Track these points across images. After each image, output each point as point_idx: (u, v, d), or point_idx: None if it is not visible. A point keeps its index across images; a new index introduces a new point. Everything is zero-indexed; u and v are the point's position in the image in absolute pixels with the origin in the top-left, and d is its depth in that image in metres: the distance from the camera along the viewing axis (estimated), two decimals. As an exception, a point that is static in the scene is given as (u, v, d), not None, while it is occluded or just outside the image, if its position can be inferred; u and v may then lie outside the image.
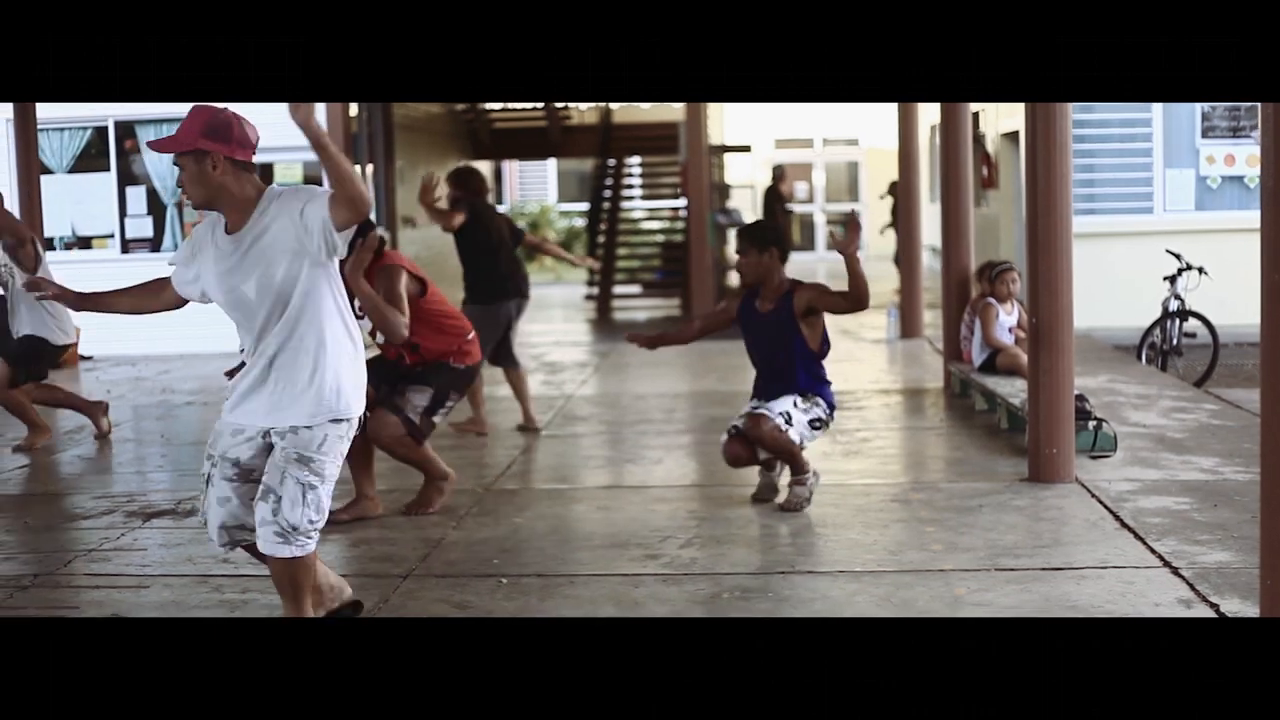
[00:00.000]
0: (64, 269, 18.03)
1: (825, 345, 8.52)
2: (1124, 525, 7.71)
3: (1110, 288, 17.30)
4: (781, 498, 8.51)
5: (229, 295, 5.59)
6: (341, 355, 5.61)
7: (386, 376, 8.45)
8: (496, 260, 11.68)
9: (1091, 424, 9.55)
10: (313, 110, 5.09)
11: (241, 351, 5.77)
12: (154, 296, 5.91)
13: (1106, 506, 8.13)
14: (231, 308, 5.63)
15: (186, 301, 5.90)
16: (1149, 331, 15.15)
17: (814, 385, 8.50)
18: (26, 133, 16.77)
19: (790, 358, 8.46)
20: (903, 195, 18.82)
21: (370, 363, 6.98)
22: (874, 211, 34.18)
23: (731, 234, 27.61)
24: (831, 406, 8.57)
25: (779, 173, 23.81)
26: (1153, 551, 7.17)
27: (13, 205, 17.78)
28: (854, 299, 8.17)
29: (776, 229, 8.86)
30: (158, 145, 5.39)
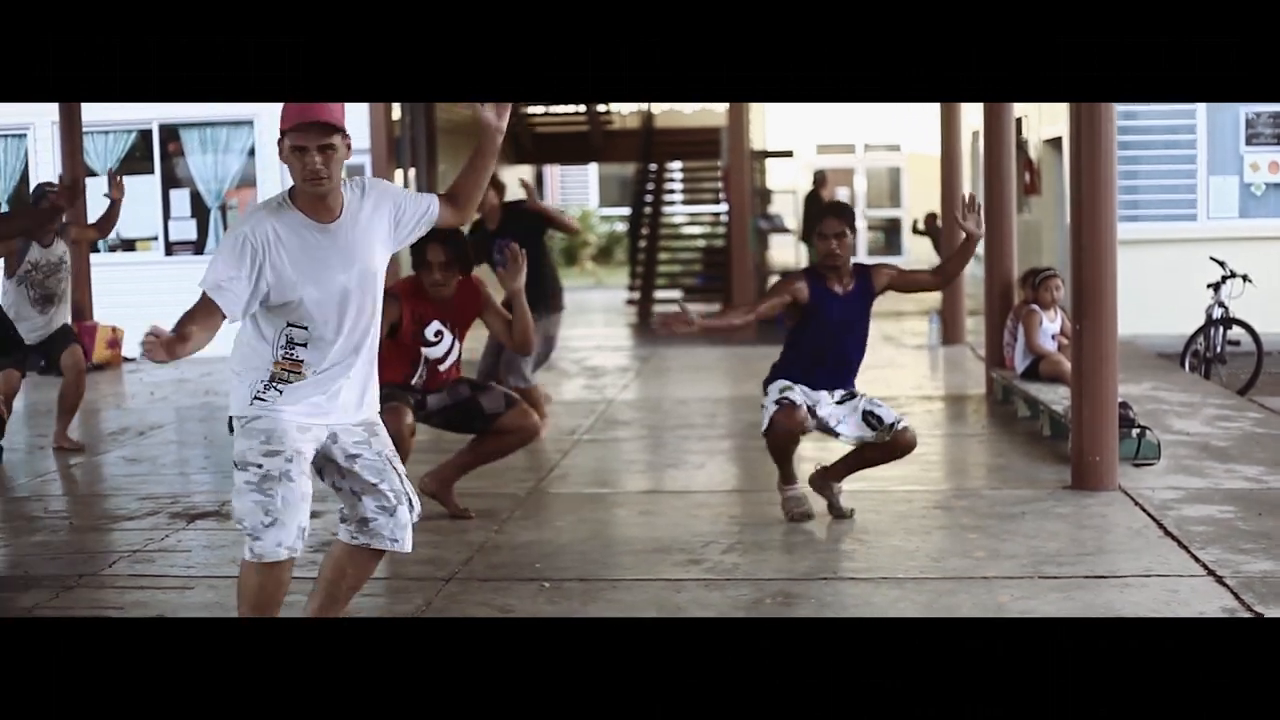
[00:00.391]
0: (108, 271, 18.21)
1: None
2: (1167, 533, 7.67)
3: (1153, 295, 17.22)
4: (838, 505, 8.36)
5: (324, 289, 5.26)
6: None
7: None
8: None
9: (1135, 432, 9.52)
10: (506, 111, 5.19)
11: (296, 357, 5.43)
12: (213, 321, 5.28)
13: (1150, 514, 8.10)
14: (320, 304, 5.29)
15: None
16: (1192, 339, 15.07)
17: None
18: (72, 136, 16.88)
19: (860, 343, 8.27)
20: (945, 201, 18.77)
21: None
22: (914, 216, 34.12)
23: (773, 239, 27.61)
24: None
25: (820, 178, 23.75)
26: (1196, 560, 7.14)
27: (58, 207, 17.87)
28: (947, 276, 8.68)
29: (851, 207, 8.81)
30: (327, 114, 4.87)
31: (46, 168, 18.70)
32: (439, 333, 8.23)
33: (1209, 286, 15.09)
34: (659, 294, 25.12)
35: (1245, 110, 17.96)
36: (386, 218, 5.34)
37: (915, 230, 25.04)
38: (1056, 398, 10.61)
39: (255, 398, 5.51)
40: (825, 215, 8.19)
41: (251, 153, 18.87)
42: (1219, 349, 14.90)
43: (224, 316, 5.23)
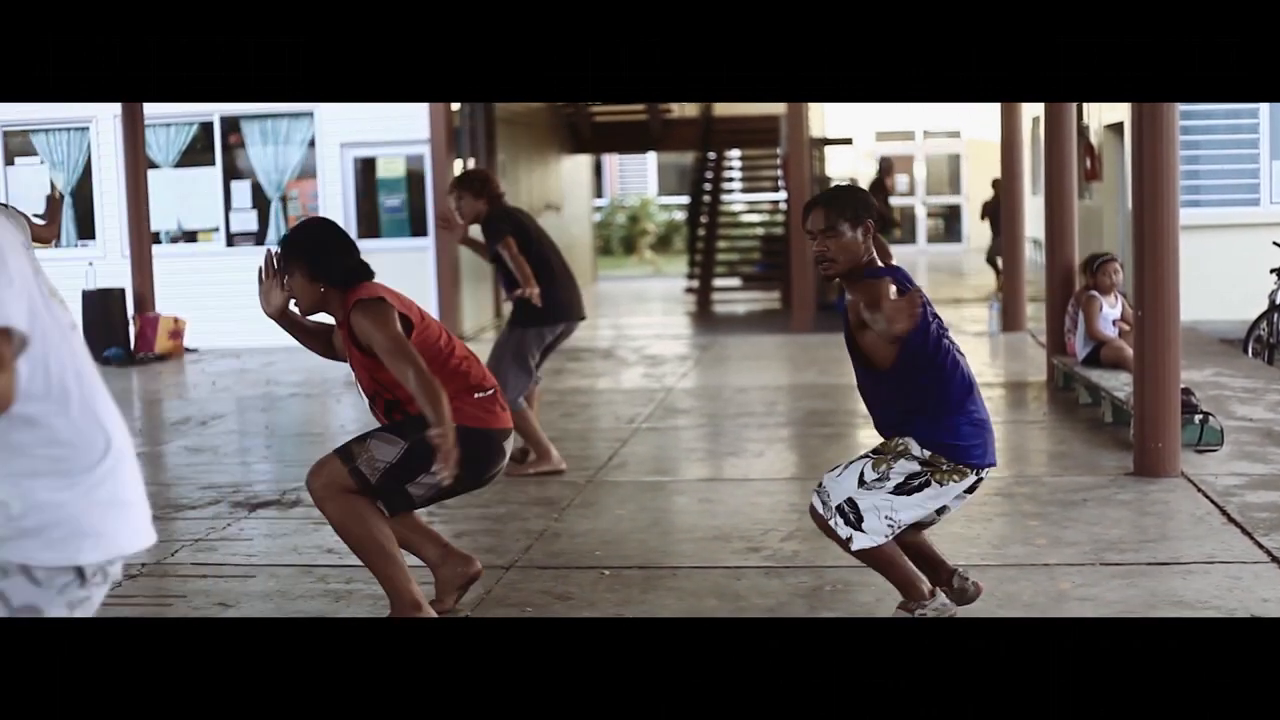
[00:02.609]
0: (170, 262, 18.34)
1: None
2: (1231, 520, 7.63)
3: (1216, 280, 17.11)
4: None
5: None
6: None
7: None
8: (553, 273, 9.60)
9: (1197, 418, 9.46)
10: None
11: None
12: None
13: (1213, 501, 8.05)
14: None
15: None
16: (1255, 324, 14.95)
17: None
18: (134, 129, 17.02)
19: (865, 378, 6.01)
20: (1005, 188, 18.71)
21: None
22: (974, 203, 33.99)
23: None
24: None
25: (886, 165, 23.71)
26: (1260, 546, 7.09)
27: (120, 199, 18.06)
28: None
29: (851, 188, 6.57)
30: None
31: (110, 161, 18.85)
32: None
33: (1272, 271, 14.96)
34: (718, 282, 25.11)
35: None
36: None
37: (983, 219, 24.98)
38: (1118, 384, 10.56)
39: None
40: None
41: (312, 144, 18.96)
42: (1283, 334, 14.79)
43: None
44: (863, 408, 6.30)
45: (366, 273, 6.19)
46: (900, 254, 27.02)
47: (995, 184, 22.89)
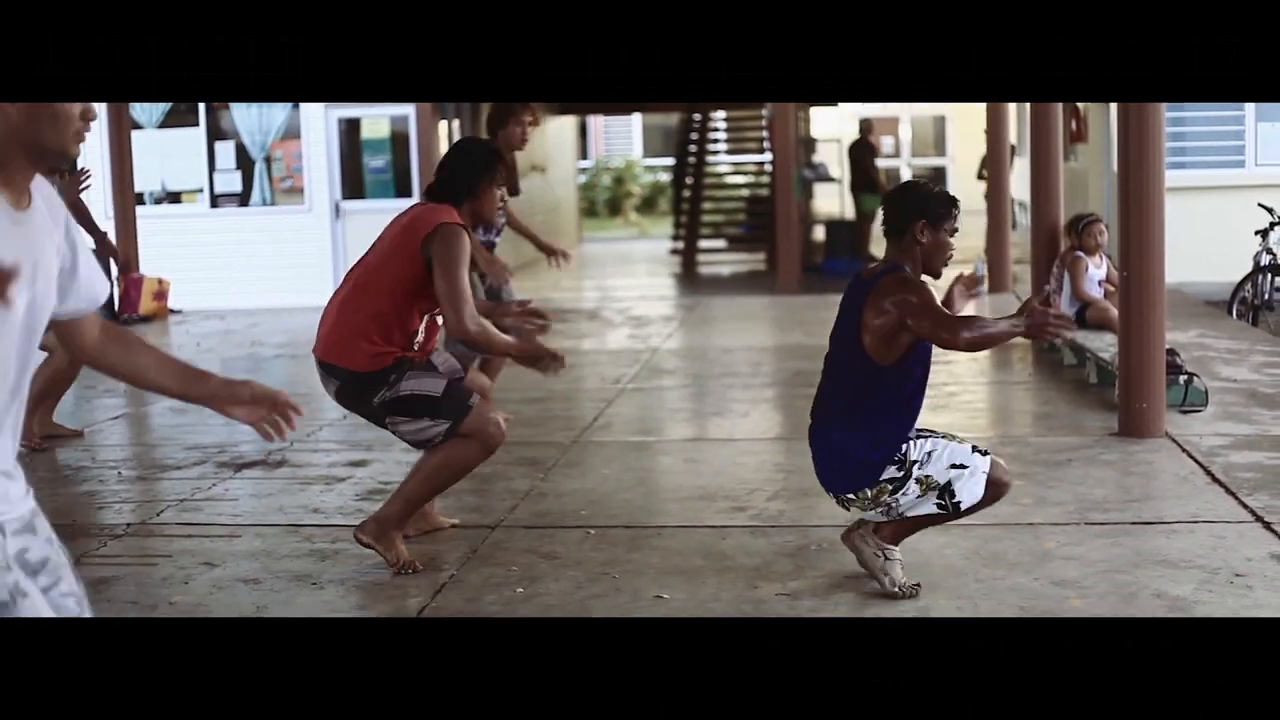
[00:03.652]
0: (154, 223, 18.30)
1: None
2: (1215, 480, 7.65)
3: (1201, 242, 17.12)
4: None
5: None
6: None
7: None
8: None
9: (1182, 379, 9.48)
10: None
11: None
12: None
13: (1197, 461, 8.07)
14: None
15: None
16: (1240, 286, 14.98)
17: None
18: (117, 88, 16.92)
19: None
20: (991, 150, 18.70)
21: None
22: (960, 165, 34.00)
23: (817, 188, 27.53)
24: None
25: (866, 125, 23.68)
26: (1244, 506, 7.11)
27: (103, 161, 18.01)
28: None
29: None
30: None
31: (93, 123, 18.76)
32: None
33: (1257, 233, 14.99)
34: (703, 243, 25.09)
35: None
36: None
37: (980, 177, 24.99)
38: (1103, 345, 10.57)
39: None
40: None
41: (296, 105, 18.89)
42: (1267, 296, 14.81)
43: None
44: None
45: None
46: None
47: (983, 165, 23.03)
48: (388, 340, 6.32)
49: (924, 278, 5.88)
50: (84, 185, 9.24)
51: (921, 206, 5.88)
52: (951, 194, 6.08)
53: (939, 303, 5.84)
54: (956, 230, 6.04)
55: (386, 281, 6.33)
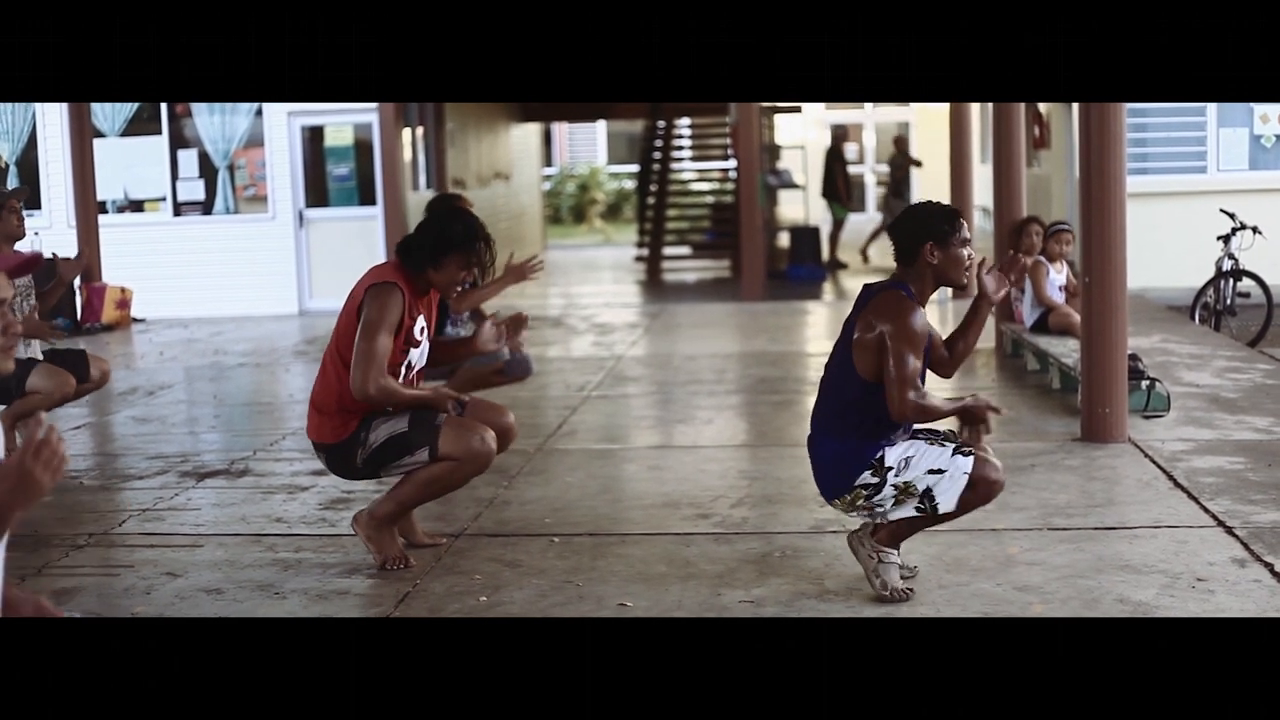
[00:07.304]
0: (116, 232, 18.24)
1: None
2: (1177, 485, 7.67)
3: (1163, 248, 17.20)
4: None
5: None
6: None
7: None
8: None
9: (1145, 384, 9.51)
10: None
11: None
12: None
13: (1160, 466, 8.09)
14: None
15: None
16: (1202, 291, 15.05)
17: None
18: (79, 96, 16.84)
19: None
20: (954, 156, 18.73)
21: None
22: (924, 171, 34.07)
23: (781, 195, 27.55)
24: None
25: (841, 133, 23.84)
26: (1206, 511, 7.13)
27: (65, 169, 17.94)
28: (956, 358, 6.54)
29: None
30: None
31: (55, 130, 18.71)
32: (423, 329, 6.67)
33: (1219, 239, 15.07)
34: (668, 250, 25.10)
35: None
36: None
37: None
38: (1066, 350, 10.60)
39: None
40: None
41: (259, 112, 18.85)
42: (1229, 301, 14.89)
43: None
44: (813, 374, 6.35)
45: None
46: (851, 222, 26.98)
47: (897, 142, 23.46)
48: (354, 407, 6.51)
49: (948, 291, 5.96)
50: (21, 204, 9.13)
51: (925, 228, 5.92)
52: (953, 207, 6.11)
53: (922, 348, 5.82)
54: (968, 240, 6.07)
55: (345, 352, 6.47)
